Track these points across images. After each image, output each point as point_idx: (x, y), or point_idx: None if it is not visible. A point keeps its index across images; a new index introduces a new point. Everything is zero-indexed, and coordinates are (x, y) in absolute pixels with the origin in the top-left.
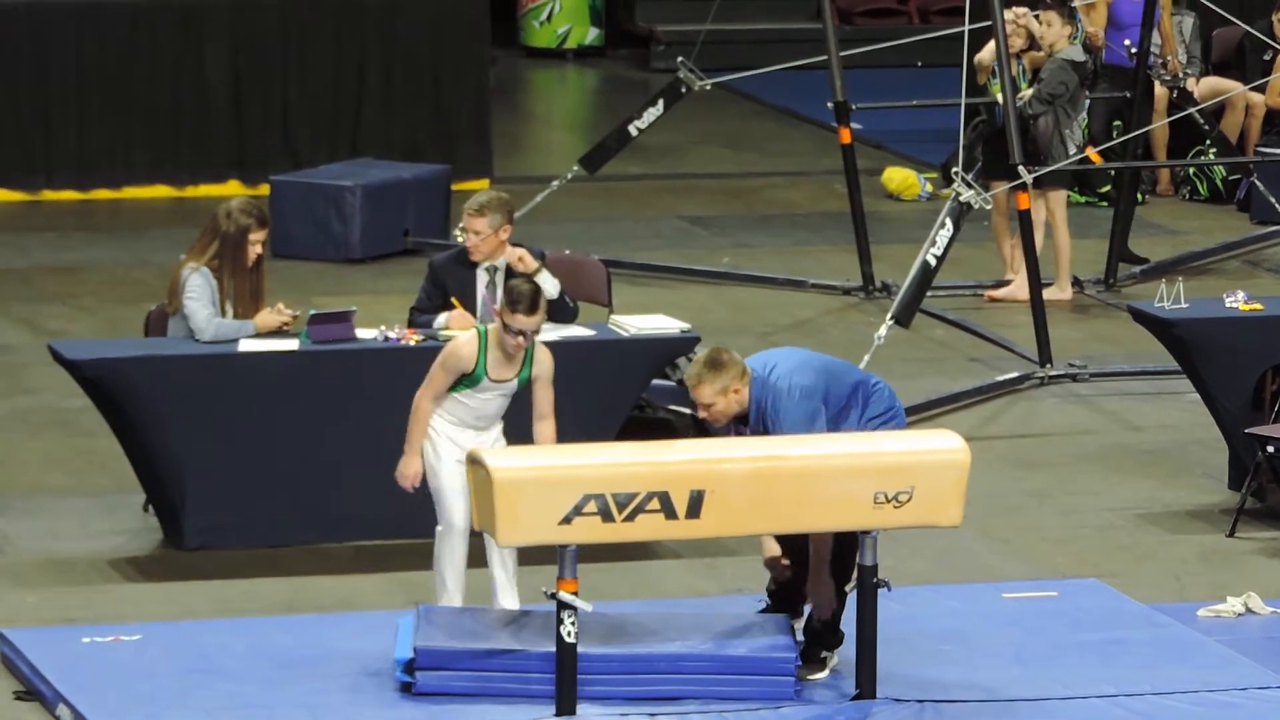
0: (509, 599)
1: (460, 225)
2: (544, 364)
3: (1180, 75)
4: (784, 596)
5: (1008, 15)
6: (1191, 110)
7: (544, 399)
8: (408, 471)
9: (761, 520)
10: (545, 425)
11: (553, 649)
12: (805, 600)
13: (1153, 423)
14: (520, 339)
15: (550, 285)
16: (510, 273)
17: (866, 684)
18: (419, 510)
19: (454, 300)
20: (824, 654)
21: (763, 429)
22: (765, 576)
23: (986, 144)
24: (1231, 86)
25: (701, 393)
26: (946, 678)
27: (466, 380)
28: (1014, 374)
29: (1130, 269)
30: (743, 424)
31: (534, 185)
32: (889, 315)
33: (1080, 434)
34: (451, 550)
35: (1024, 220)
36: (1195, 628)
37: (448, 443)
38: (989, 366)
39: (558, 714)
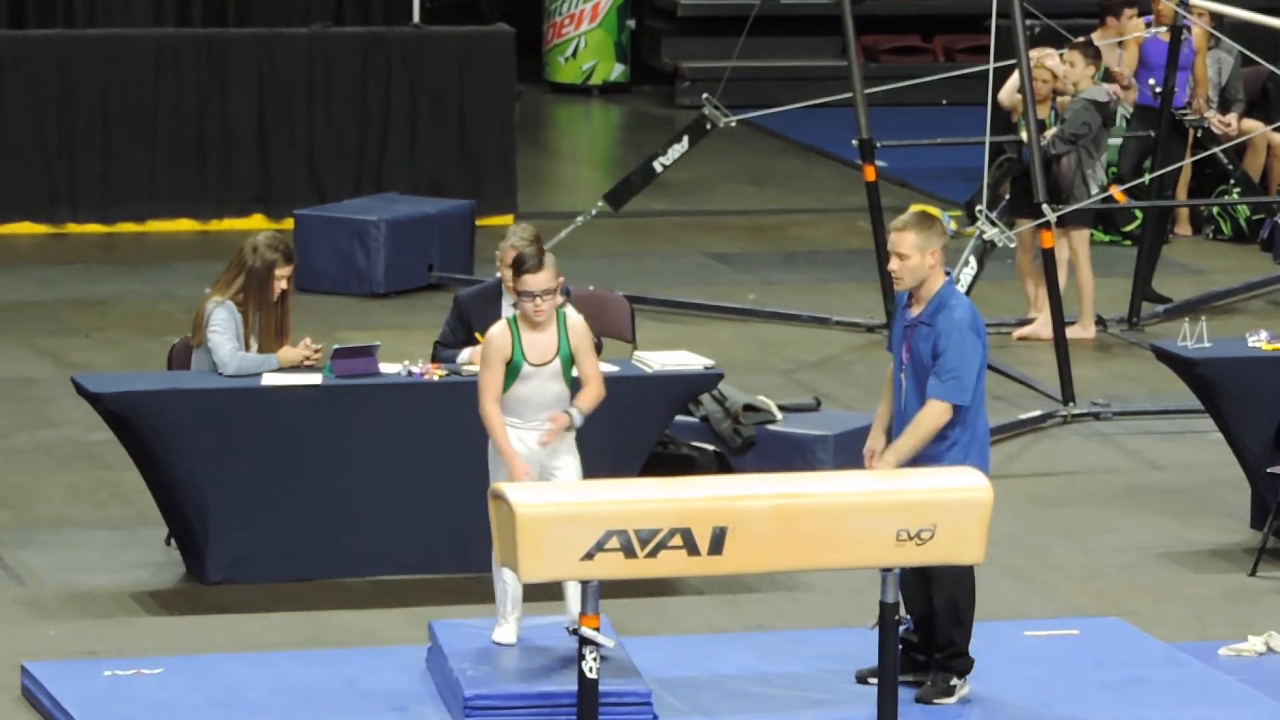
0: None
1: (506, 263)
2: (578, 332)
3: (1203, 116)
4: (920, 639)
5: (1032, 55)
6: (1215, 150)
7: (586, 365)
8: (518, 474)
9: (784, 557)
10: (586, 390)
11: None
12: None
13: (1175, 462)
14: (536, 302)
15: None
16: None
17: None
18: (440, 546)
19: (478, 335)
20: (953, 681)
21: (927, 342)
22: (786, 616)
23: (1013, 182)
24: (1258, 127)
25: (903, 239)
26: (968, 716)
27: (509, 372)
28: (1037, 412)
29: (1153, 308)
30: (909, 310)
31: (558, 221)
32: None
33: (1103, 472)
34: None
35: (1048, 259)
36: (1217, 667)
37: (517, 444)
38: (1012, 404)
39: None
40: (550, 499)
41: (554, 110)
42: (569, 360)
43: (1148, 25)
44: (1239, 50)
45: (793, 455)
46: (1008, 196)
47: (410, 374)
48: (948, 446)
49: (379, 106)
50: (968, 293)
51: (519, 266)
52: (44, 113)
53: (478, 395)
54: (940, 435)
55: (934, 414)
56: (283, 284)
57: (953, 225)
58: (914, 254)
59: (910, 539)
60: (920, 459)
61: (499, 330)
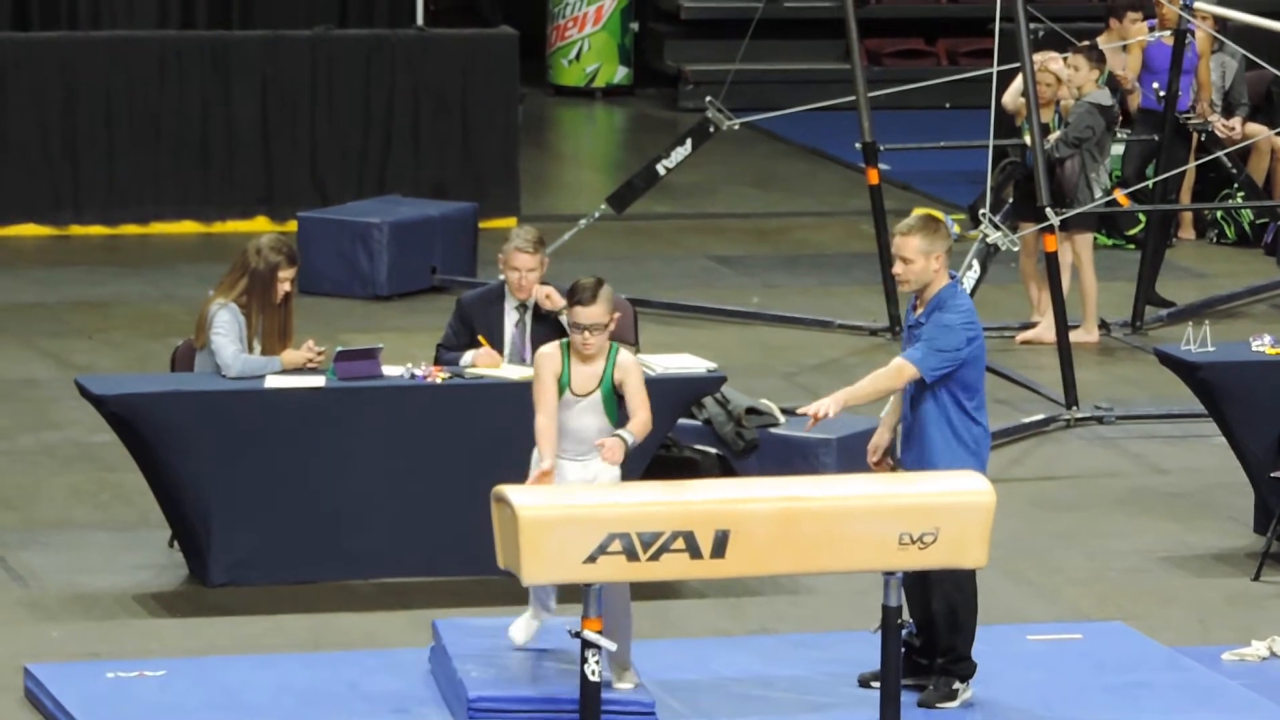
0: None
1: (510, 265)
2: (626, 368)
3: (1207, 120)
4: (922, 643)
5: (1036, 59)
6: (1219, 154)
7: (634, 398)
8: (542, 479)
9: (786, 560)
10: (635, 419)
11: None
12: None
13: (1178, 466)
14: (585, 335)
15: None
16: (539, 311)
17: None
18: (443, 548)
19: (481, 338)
20: (955, 685)
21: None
22: (788, 619)
23: (1016, 186)
24: (1261, 131)
25: (908, 244)
26: None
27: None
28: (1040, 416)
29: (1157, 312)
30: (914, 312)
31: (561, 224)
32: None
33: (1106, 476)
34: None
35: (1051, 262)
36: (1220, 671)
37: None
38: (1015, 408)
39: None
40: (552, 501)
41: (557, 113)
42: (611, 394)
43: (1151, 29)
44: (1242, 54)
45: (795, 458)
46: (1011, 200)
47: (413, 376)
48: (948, 447)
49: (382, 109)
50: (971, 295)
51: (572, 296)
52: (47, 115)
53: (536, 412)
54: (939, 435)
55: (893, 369)
56: (286, 286)
57: (956, 229)
58: (918, 258)
59: (913, 543)
60: (921, 462)
61: (551, 349)
